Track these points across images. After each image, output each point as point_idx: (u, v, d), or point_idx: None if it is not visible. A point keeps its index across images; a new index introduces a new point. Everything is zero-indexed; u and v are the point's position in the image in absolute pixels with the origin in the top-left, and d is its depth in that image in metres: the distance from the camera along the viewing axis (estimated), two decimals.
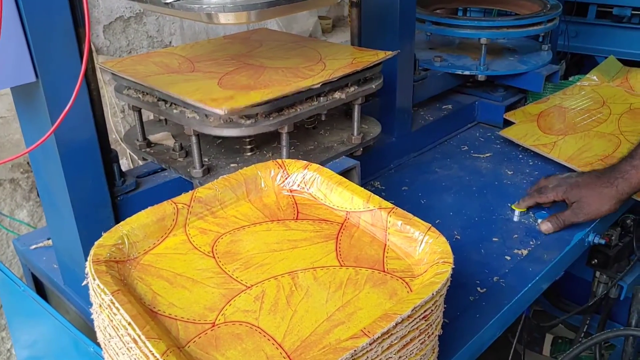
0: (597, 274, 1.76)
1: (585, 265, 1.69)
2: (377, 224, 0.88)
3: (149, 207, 0.88)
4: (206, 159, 1.15)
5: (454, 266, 0.76)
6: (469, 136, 1.70)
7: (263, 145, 1.21)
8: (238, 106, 0.97)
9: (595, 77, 1.82)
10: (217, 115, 0.97)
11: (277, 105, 1.03)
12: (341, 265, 0.82)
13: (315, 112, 1.11)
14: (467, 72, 1.65)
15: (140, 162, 1.28)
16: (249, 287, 0.79)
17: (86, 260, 1.00)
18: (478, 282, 1.12)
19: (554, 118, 1.63)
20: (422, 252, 0.81)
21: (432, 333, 0.75)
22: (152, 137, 1.22)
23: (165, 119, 1.31)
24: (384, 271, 0.81)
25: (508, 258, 1.18)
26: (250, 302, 0.76)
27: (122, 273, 0.80)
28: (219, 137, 1.23)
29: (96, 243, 0.81)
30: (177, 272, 0.82)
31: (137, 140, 1.21)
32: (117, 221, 1.00)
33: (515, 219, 1.31)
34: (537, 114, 1.65)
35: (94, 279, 0.75)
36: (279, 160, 0.99)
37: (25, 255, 1.26)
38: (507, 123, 1.70)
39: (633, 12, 2.34)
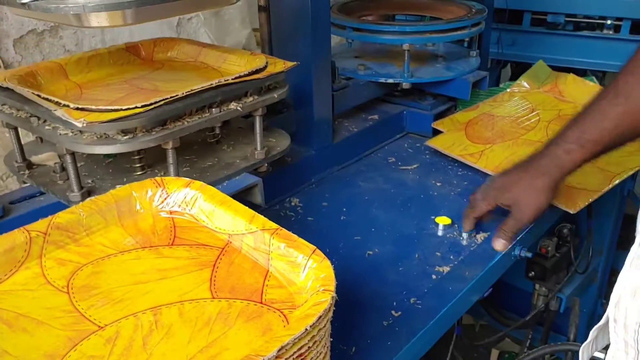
0: (537, 286, 1.71)
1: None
2: (260, 247, 0.77)
3: None
4: (90, 181, 1.03)
5: (334, 294, 0.66)
6: (397, 147, 1.62)
7: (156, 164, 1.09)
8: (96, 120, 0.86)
9: (525, 83, 1.76)
10: (76, 128, 0.86)
11: (160, 117, 0.92)
12: (213, 297, 0.71)
13: (207, 125, 1.00)
14: (390, 80, 1.57)
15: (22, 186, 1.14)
16: (101, 328, 0.67)
17: None
18: (394, 304, 1.03)
19: (482, 126, 1.56)
20: (306, 278, 0.71)
21: None
22: (35, 158, 1.09)
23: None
24: (260, 302, 0.71)
25: (434, 277, 1.09)
26: (99, 345, 0.65)
27: None
28: (107, 157, 1.11)
29: None
30: (20, 313, 0.70)
31: (16, 161, 1.08)
32: None
33: (440, 233, 1.23)
34: (466, 123, 1.58)
35: None
36: (158, 178, 0.88)
37: None
38: (438, 133, 1.63)
39: (566, 19, 2.33)
